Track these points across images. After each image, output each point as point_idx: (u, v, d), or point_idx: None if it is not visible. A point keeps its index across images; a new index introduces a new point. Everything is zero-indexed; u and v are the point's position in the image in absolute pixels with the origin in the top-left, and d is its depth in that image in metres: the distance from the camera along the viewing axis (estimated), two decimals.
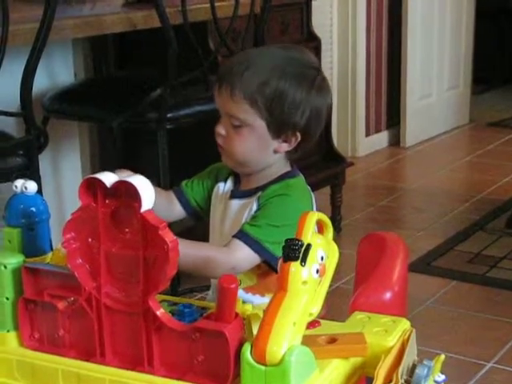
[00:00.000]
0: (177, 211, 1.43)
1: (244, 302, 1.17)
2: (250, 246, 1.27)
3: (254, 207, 1.33)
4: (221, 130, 1.33)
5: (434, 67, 4.40)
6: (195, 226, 1.67)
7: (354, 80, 4.01)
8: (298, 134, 1.32)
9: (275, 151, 1.33)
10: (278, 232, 1.27)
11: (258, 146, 1.32)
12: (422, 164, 4.03)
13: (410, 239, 2.85)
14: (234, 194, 1.38)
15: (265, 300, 1.32)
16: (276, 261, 1.25)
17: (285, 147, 1.33)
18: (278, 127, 1.30)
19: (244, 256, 1.27)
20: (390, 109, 4.28)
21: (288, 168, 1.38)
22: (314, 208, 1.35)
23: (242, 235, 1.28)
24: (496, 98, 5.33)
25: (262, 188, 1.34)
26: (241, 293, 1.32)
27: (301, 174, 1.38)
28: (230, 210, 1.37)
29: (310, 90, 1.30)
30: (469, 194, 3.47)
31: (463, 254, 2.80)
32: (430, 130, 4.42)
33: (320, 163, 3.00)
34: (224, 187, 1.40)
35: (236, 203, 1.37)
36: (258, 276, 1.33)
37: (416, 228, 3.08)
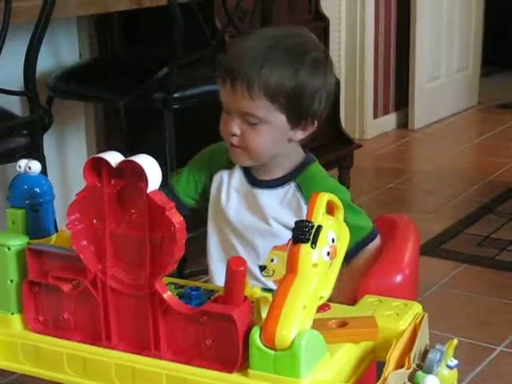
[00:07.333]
0: None
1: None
2: (374, 239, 1.34)
3: (291, 192, 1.31)
4: (235, 129, 1.26)
5: (443, 49, 4.35)
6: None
7: (362, 61, 3.97)
8: (316, 122, 1.30)
9: (290, 140, 1.30)
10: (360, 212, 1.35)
11: (277, 140, 1.28)
12: (430, 146, 4.00)
13: (418, 222, 2.76)
14: (260, 184, 1.33)
15: None
16: None
17: (300, 135, 1.31)
18: (298, 118, 1.28)
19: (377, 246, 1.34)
20: (398, 90, 4.24)
21: (301, 151, 1.36)
22: None
23: (364, 240, 1.32)
24: (505, 80, 5.28)
25: (294, 174, 1.32)
26: (271, 285, 1.31)
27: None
28: (258, 200, 1.32)
29: (325, 75, 1.28)
30: (478, 176, 3.44)
31: (473, 237, 2.78)
32: (439, 111, 4.38)
33: (328, 145, 2.98)
34: (234, 176, 1.35)
35: (266, 192, 1.32)
36: None
37: (425, 211, 3.06)
